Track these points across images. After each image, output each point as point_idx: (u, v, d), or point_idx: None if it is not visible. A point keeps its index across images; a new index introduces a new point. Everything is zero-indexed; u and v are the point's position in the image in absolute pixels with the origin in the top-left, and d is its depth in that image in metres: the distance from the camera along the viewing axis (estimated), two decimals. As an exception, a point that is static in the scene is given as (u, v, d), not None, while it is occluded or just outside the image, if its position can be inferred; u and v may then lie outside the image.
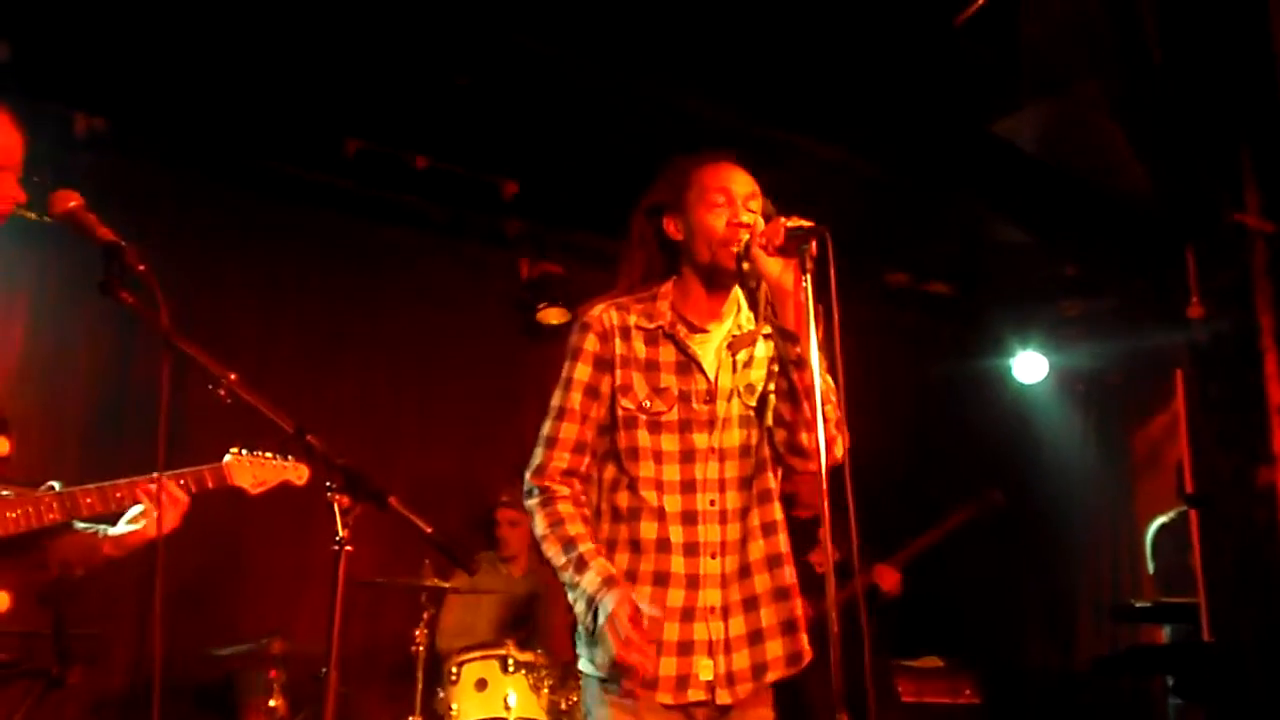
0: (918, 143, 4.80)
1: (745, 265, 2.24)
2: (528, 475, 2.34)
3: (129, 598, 4.25)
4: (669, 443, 2.26)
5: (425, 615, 4.26)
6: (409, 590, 4.35)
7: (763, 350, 2.35)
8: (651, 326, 2.32)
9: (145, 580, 3.78)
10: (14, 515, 2.45)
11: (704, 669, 2.19)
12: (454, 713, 4.16)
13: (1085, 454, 6.62)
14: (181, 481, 2.64)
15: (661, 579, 2.22)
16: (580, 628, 2.25)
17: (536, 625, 4.70)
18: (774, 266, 2.16)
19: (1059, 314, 6.50)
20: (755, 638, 2.23)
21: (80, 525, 2.60)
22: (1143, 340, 5.47)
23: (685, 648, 2.20)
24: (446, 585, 4.33)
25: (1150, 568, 5.15)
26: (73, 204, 2.05)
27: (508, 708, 4.14)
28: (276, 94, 4.70)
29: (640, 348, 2.31)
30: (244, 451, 2.80)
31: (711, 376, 2.29)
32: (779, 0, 4.08)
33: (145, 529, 2.55)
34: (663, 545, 2.23)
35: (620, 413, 2.29)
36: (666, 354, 2.31)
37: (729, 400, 2.30)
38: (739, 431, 2.29)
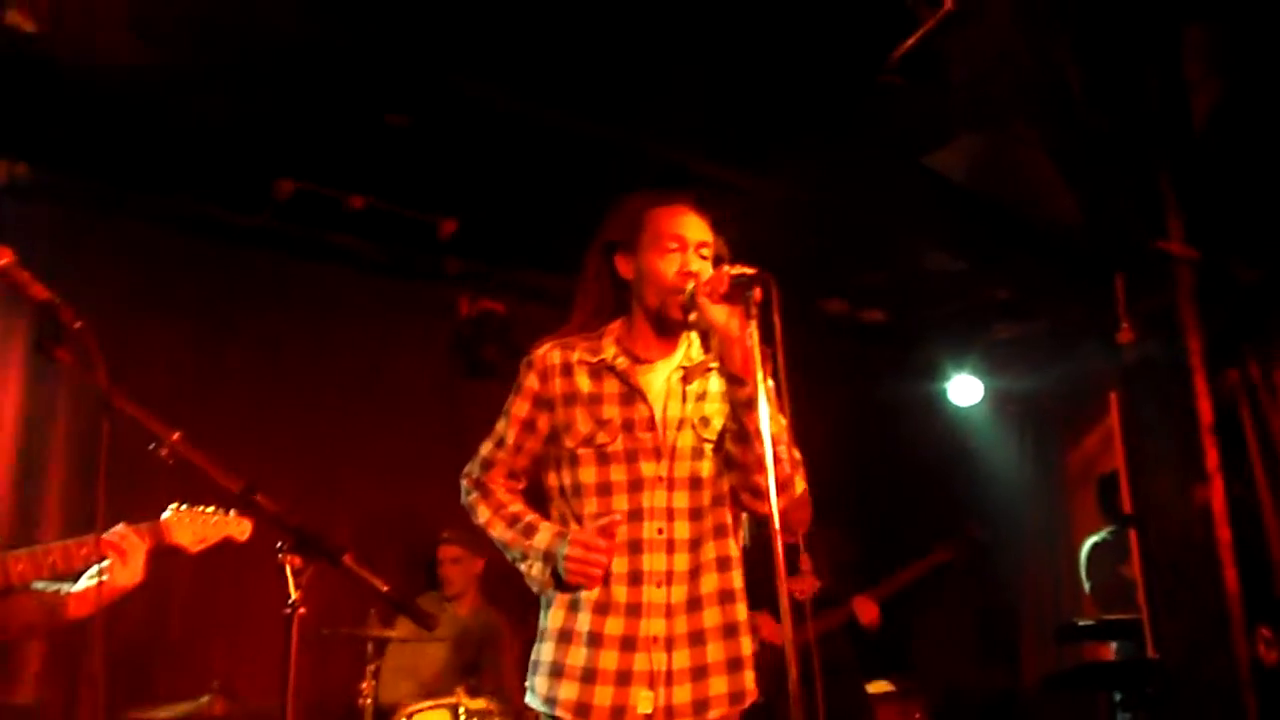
0: (852, 175, 4.88)
1: (692, 315, 2.28)
2: (464, 480, 2.48)
3: (61, 662, 4.11)
4: (617, 473, 2.29)
5: (372, 666, 4.17)
6: (354, 641, 4.26)
7: (717, 385, 2.37)
8: (594, 360, 2.36)
9: (78, 644, 3.67)
10: None
11: (643, 701, 2.18)
12: (405, 766, 4.07)
13: (1021, 474, 6.74)
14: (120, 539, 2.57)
15: (602, 608, 2.23)
16: (530, 663, 2.30)
17: (486, 669, 4.62)
18: (719, 314, 2.19)
19: (993, 338, 6.62)
20: (699, 673, 2.22)
21: (39, 585, 2.53)
22: (1075, 362, 5.61)
23: (624, 678, 2.19)
24: (392, 634, 4.24)
25: (1086, 586, 5.24)
26: (4, 261, 1.98)
27: (460, 757, 4.06)
28: (208, 135, 4.62)
29: (584, 382, 2.35)
30: (184, 507, 2.74)
31: (659, 405, 2.32)
32: (712, 36, 4.12)
33: (112, 581, 2.50)
34: (606, 577, 2.24)
35: (565, 451, 2.33)
36: (610, 386, 2.34)
37: (679, 430, 2.31)
38: (689, 462, 2.30)
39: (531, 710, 2.32)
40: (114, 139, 4.58)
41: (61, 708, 3.97)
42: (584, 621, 2.24)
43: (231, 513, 2.84)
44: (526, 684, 2.32)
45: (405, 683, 4.55)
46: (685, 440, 2.31)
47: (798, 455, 2.27)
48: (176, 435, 1.91)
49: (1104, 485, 5.20)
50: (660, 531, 2.26)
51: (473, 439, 5.82)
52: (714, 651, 2.25)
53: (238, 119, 4.53)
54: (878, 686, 5.40)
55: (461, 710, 4.12)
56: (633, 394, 2.33)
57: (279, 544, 1.86)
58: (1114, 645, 5.10)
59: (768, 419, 2.05)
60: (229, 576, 4.40)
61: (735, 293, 2.15)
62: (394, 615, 4.26)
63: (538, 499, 2.45)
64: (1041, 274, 4.63)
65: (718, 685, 2.23)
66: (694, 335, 2.43)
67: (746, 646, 2.29)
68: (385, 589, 1.90)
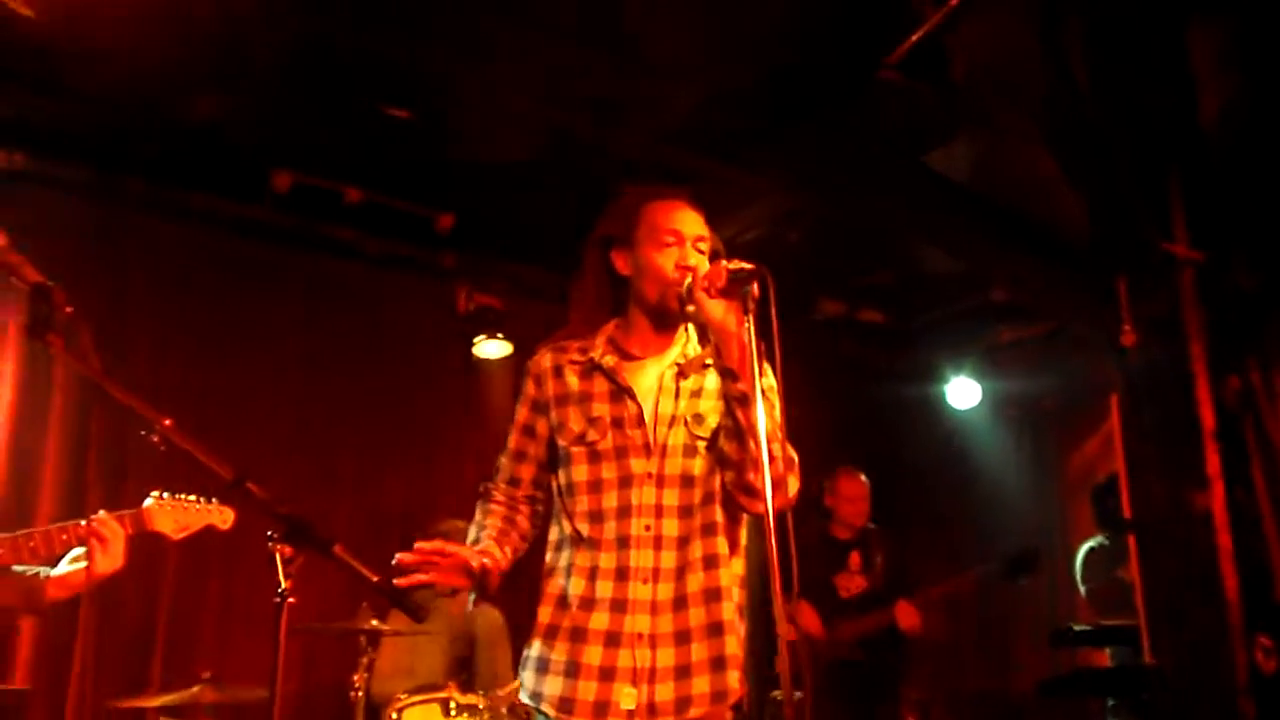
0: (852, 173, 4.86)
1: (689, 308, 2.28)
2: (480, 487, 2.49)
3: (52, 650, 4.09)
4: (608, 470, 2.29)
5: (364, 659, 4.14)
6: (346, 634, 4.23)
7: (713, 382, 2.35)
8: (584, 360, 2.37)
9: (69, 633, 3.65)
10: None
11: (625, 697, 2.17)
12: (395, 759, 4.04)
13: (1019, 478, 6.72)
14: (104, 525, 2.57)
15: (587, 603, 2.23)
16: (521, 658, 2.31)
17: (480, 665, 4.59)
18: (716, 309, 2.18)
19: (992, 340, 6.60)
20: (682, 671, 2.20)
21: (18, 569, 2.54)
22: (1075, 366, 5.59)
23: (607, 673, 2.19)
24: (385, 628, 4.21)
25: (1081, 590, 5.23)
26: (-2, 245, 1.96)
27: (451, 752, 4.04)
28: (207, 126, 4.60)
29: (574, 381, 2.36)
30: (166, 495, 2.74)
31: (648, 402, 2.31)
32: (712, 33, 4.10)
33: (92, 567, 2.52)
34: (593, 572, 2.24)
35: (559, 451, 2.36)
36: (600, 385, 2.35)
37: (670, 426, 2.30)
38: (681, 460, 2.29)
39: (523, 705, 2.32)
40: (112, 128, 4.58)
41: (52, 695, 3.93)
42: (570, 617, 2.24)
43: (214, 501, 2.84)
44: (517, 679, 2.32)
45: (398, 676, 4.52)
46: (677, 437, 2.30)
47: (793, 454, 2.24)
48: (168, 421, 1.88)
49: (1098, 493, 5.19)
50: (648, 528, 2.24)
51: (467, 432, 5.83)
52: (698, 650, 2.23)
53: (236, 110, 4.52)
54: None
55: (453, 704, 4.10)
56: (621, 391, 2.32)
57: (269, 533, 1.83)
58: (1109, 651, 5.08)
59: (763, 416, 2.03)
60: (220, 567, 4.38)
61: (733, 288, 2.14)
62: (387, 608, 4.24)
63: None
64: (1043, 276, 4.60)
65: (700, 684, 2.21)
66: (691, 331, 2.42)
67: (731, 645, 2.26)
68: (375, 579, 1.88)
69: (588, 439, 2.30)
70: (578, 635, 2.22)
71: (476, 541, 2.32)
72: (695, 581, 2.25)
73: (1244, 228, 3.84)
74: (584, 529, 2.27)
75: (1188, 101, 3.85)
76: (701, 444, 2.30)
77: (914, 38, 3.73)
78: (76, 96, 4.32)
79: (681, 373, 2.34)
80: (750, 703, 2.33)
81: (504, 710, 4.17)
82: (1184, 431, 3.68)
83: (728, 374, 2.21)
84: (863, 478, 5.28)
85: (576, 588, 2.25)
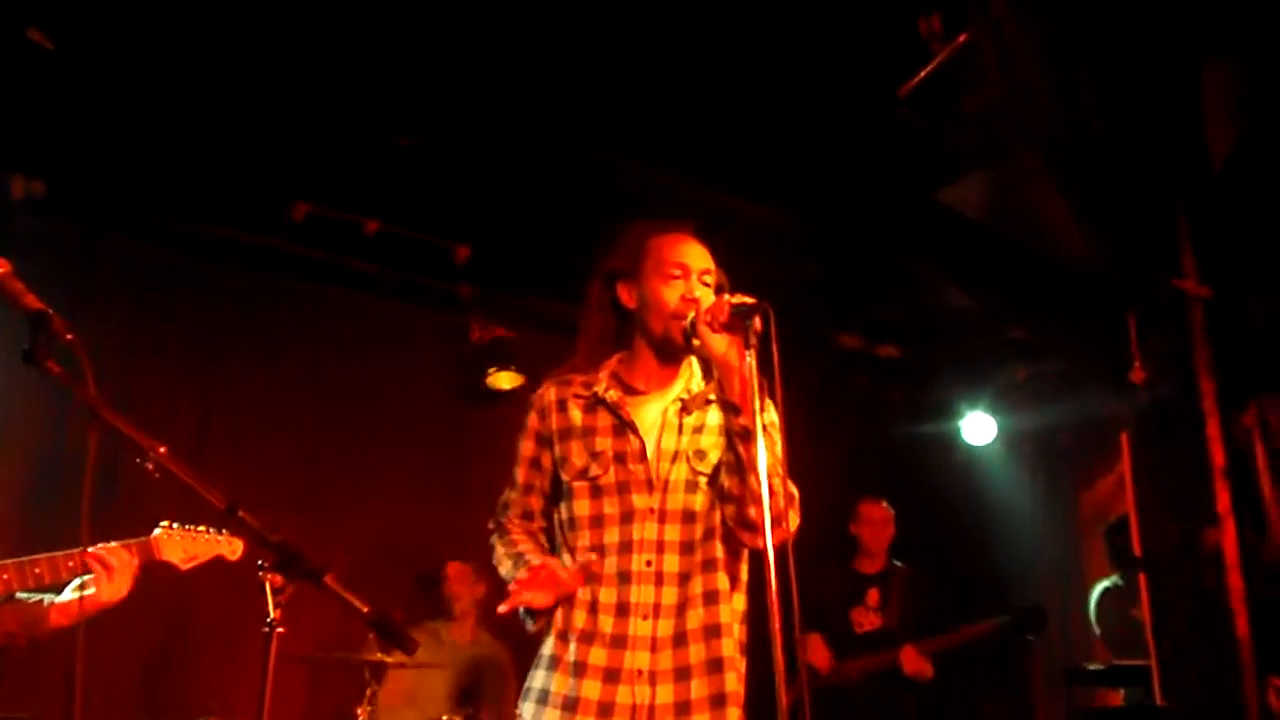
0: (865, 210, 4.87)
1: (695, 342, 2.28)
2: (490, 524, 2.50)
3: (51, 680, 4.09)
4: (610, 506, 2.29)
5: (369, 691, 4.13)
6: (350, 666, 4.23)
7: (715, 418, 2.35)
8: (587, 394, 2.37)
9: (69, 661, 3.65)
10: None
11: None
12: (399, 792, 4.03)
13: (1034, 515, 6.66)
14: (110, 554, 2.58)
15: (587, 637, 2.23)
16: (523, 689, 2.31)
17: (485, 698, 4.58)
18: (719, 343, 2.19)
19: (1007, 377, 6.57)
20: (682, 708, 2.19)
21: (21, 595, 2.54)
22: (1088, 403, 5.54)
23: (605, 709, 2.18)
24: (389, 660, 4.20)
25: (1096, 630, 5.17)
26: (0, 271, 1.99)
27: (454, 785, 4.02)
28: (224, 156, 4.66)
29: (577, 415, 2.36)
30: (175, 525, 2.74)
31: (651, 437, 2.31)
32: (728, 68, 4.13)
33: (95, 595, 2.52)
34: (593, 606, 2.24)
35: (563, 485, 2.36)
36: (603, 419, 2.35)
37: (673, 462, 2.30)
38: (683, 495, 2.28)
39: None
40: (130, 158, 4.62)
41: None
42: (571, 651, 2.23)
43: (224, 532, 2.83)
44: (518, 710, 2.31)
45: (403, 709, 4.51)
46: (679, 473, 2.29)
47: (793, 489, 2.23)
48: (163, 448, 1.89)
49: (1111, 532, 5.14)
50: (649, 564, 2.24)
51: (479, 465, 5.84)
52: (698, 688, 2.21)
53: (254, 141, 4.57)
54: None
55: (456, 738, 4.09)
56: (624, 426, 2.32)
57: (260, 562, 1.84)
58: (1123, 692, 5.01)
59: (764, 451, 2.03)
60: (220, 597, 4.38)
61: (735, 322, 2.15)
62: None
63: None
64: (1054, 312, 4.58)
65: None
66: (695, 366, 2.42)
67: (732, 682, 2.24)
68: (366, 610, 1.88)
69: (590, 474, 2.31)
70: (578, 670, 2.21)
71: (519, 558, 2.33)
72: (696, 618, 2.24)
73: (1253, 264, 3.82)
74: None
75: (1197, 139, 3.84)
76: (703, 479, 2.30)
77: (923, 73, 3.75)
78: (88, 124, 4.37)
79: (685, 408, 2.34)
80: None
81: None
82: (1194, 469, 3.64)
83: (729, 408, 2.21)
84: (885, 504, 5.30)
85: (578, 621, 2.24)
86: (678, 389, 2.38)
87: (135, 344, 4.81)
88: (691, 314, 2.25)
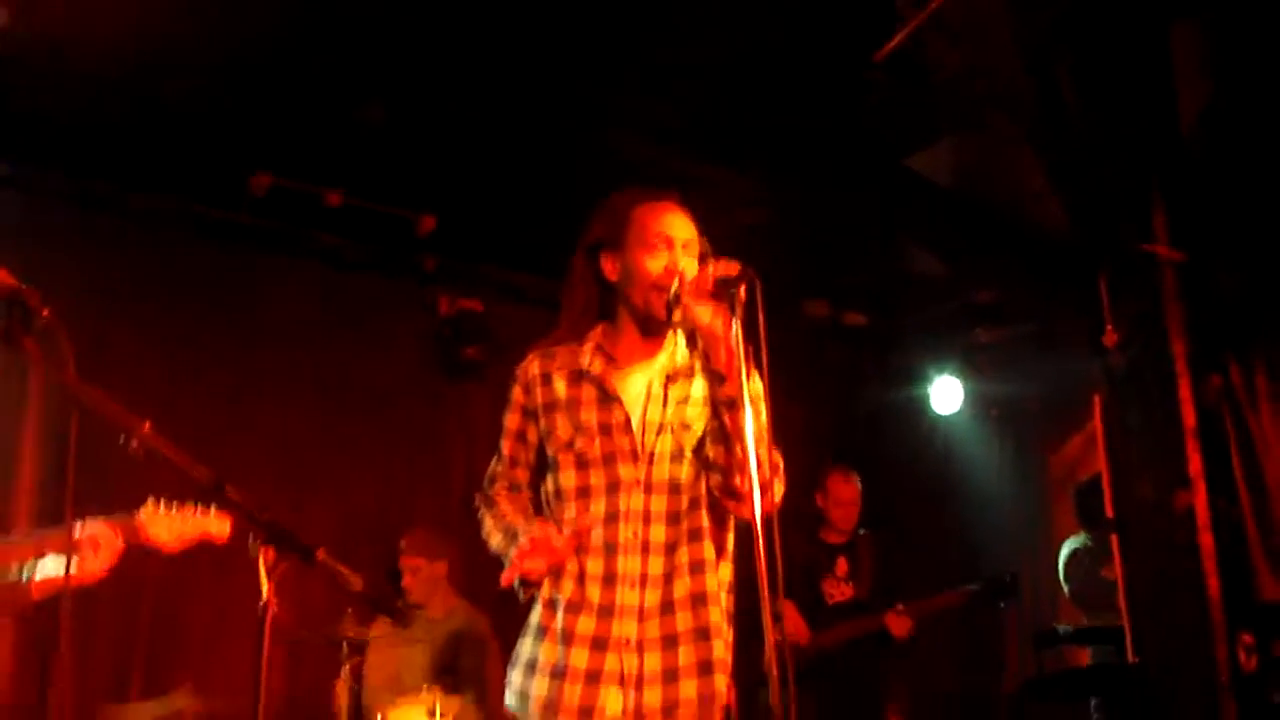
0: (835, 176, 4.87)
1: (676, 314, 2.27)
2: (475, 496, 2.48)
3: (34, 658, 4.05)
4: (596, 477, 2.29)
5: (346, 666, 4.11)
6: (331, 642, 4.20)
7: (700, 389, 2.34)
8: (572, 367, 2.36)
9: (51, 641, 3.62)
10: None
11: (612, 701, 2.18)
12: (380, 766, 4.01)
13: (1003, 478, 6.73)
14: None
15: (574, 607, 2.24)
16: (511, 657, 2.33)
17: (464, 669, 4.56)
18: (704, 313, 2.18)
19: (975, 341, 6.61)
20: (669, 675, 2.21)
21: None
22: (1057, 365, 5.60)
23: (593, 677, 2.19)
24: (368, 635, 4.18)
25: (1065, 590, 5.24)
26: (-31, 248, 1.94)
27: (436, 757, 4.01)
28: (184, 129, 4.56)
29: (561, 388, 2.36)
30: (162, 504, 2.70)
31: (636, 409, 2.31)
32: (696, 33, 4.10)
33: (79, 570, 2.51)
34: (580, 576, 2.24)
35: (549, 458, 2.36)
36: (588, 392, 2.34)
37: (658, 434, 2.30)
38: (669, 466, 2.29)
39: (511, 714, 2.30)
40: (89, 132, 4.52)
41: (35, 703, 3.90)
42: (559, 620, 2.24)
43: (211, 511, 2.79)
44: (505, 680, 2.32)
45: (383, 683, 4.48)
46: (664, 444, 2.29)
47: (778, 459, 2.24)
48: (146, 425, 1.86)
49: (1080, 493, 5.20)
50: (635, 535, 2.25)
51: (450, 438, 5.79)
52: (685, 655, 2.23)
53: (214, 113, 4.48)
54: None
55: (437, 709, 4.07)
56: (609, 398, 2.32)
57: (250, 539, 1.81)
58: (1089, 650, 5.09)
59: (750, 420, 2.02)
60: (205, 574, 4.34)
61: (720, 291, 2.14)
62: (371, 615, 4.20)
63: None
64: (1025, 276, 4.62)
65: (688, 689, 2.21)
66: (680, 338, 2.41)
67: (719, 650, 2.26)
68: (358, 585, 1.86)
69: (576, 446, 2.31)
70: (565, 638, 2.22)
71: (509, 529, 2.31)
72: (682, 587, 2.25)
73: (1224, 228, 3.87)
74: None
75: (1169, 103, 3.87)
76: (689, 450, 2.30)
77: (896, 39, 3.74)
78: (50, 99, 4.26)
79: (670, 379, 2.34)
80: (740, 707, 2.33)
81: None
82: (1166, 430, 3.70)
83: (715, 377, 2.21)
84: (855, 479, 5.25)
85: (565, 590, 2.25)
86: (662, 360, 2.37)
87: (96, 319, 4.71)
88: (675, 285, 2.24)
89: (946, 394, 6.70)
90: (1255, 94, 3.73)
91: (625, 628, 2.21)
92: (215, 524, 2.81)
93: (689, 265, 2.29)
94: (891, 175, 4.81)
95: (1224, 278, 3.82)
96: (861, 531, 5.23)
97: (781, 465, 2.25)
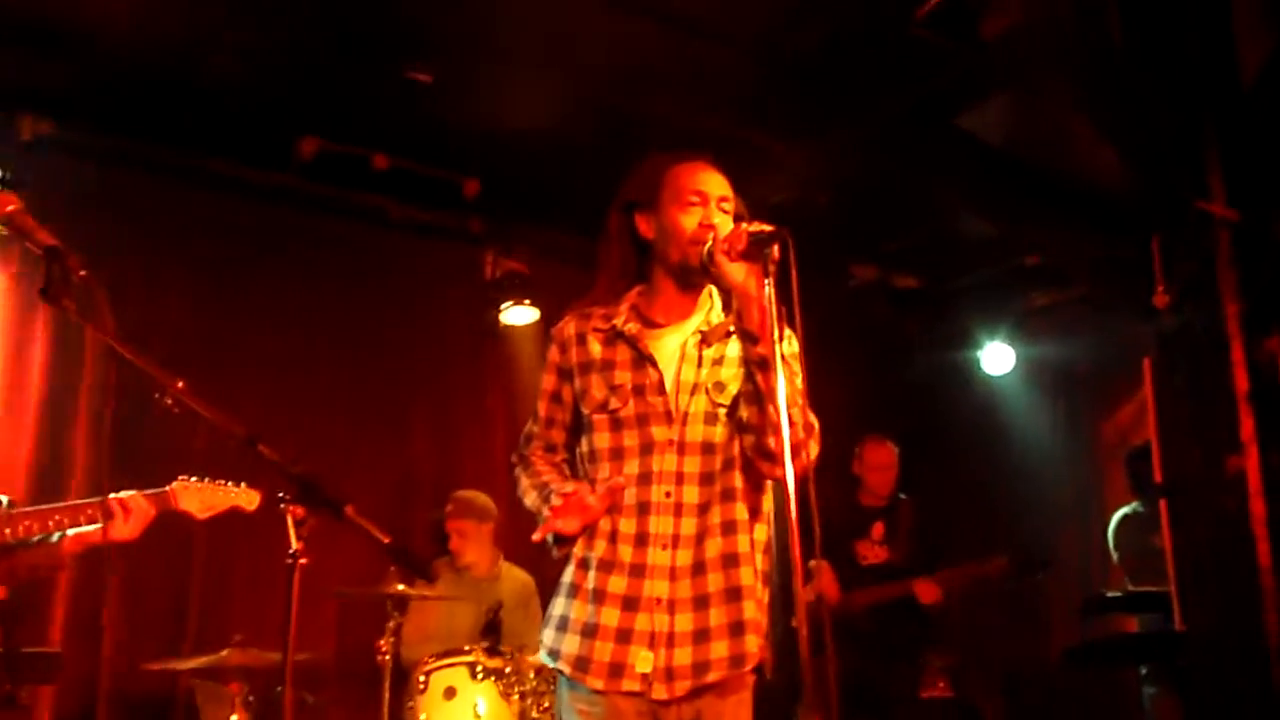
0: (884, 137, 4.79)
1: (712, 269, 2.26)
2: (512, 457, 2.54)
3: (85, 614, 4.16)
4: (630, 438, 2.30)
5: (391, 623, 4.18)
6: (374, 599, 4.27)
7: (735, 350, 2.34)
8: (607, 328, 2.38)
9: (101, 595, 3.73)
10: None
11: (642, 660, 2.19)
12: (423, 721, 4.08)
13: (1054, 444, 6.64)
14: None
15: (606, 565, 2.25)
16: (545, 617, 2.37)
17: (507, 628, 4.62)
18: (737, 272, 2.17)
19: (1026, 305, 6.51)
20: (700, 636, 2.22)
21: (38, 538, 2.66)
22: (1110, 329, 5.49)
23: (624, 635, 2.21)
24: (412, 592, 4.24)
25: (1115, 557, 5.17)
26: (11, 207, 1.99)
27: (478, 715, 4.07)
28: (233, 92, 4.61)
29: (596, 349, 2.38)
30: (193, 479, 2.85)
31: (670, 370, 2.32)
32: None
33: (108, 531, 2.64)
34: (613, 536, 2.26)
35: (583, 418, 2.38)
36: (622, 353, 2.36)
37: (691, 394, 2.31)
38: (702, 427, 2.29)
39: (549, 669, 2.36)
40: (139, 96, 4.58)
41: (85, 658, 4.01)
42: (591, 578, 2.26)
43: (241, 485, 2.92)
44: (540, 637, 2.35)
45: (426, 640, 4.56)
46: (698, 405, 2.30)
47: (813, 420, 2.23)
48: (180, 384, 1.89)
49: (1132, 459, 5.11)
50: (668, 495, 2.26)
51: (497, 399, 5.83)
52: (716, 615, 2.23)
53: (262, 76, 4.52)
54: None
55: (480, 668, 4.13)
56: (642, 359, 2.33)
57: (280, 494, 1.84)
58: (1137, 618, 5.02)
59: (783, 380, 2.01)
60: (250, 532, 4.41)
61: (753, 250, 2.13)
62: (414, 575, 4.26)
63: None
64: (1077, 238, 4.52)
65: (719, 649, 2.22)
66: (715, 298, 2.41)
67: (750, 610, 2.26)
68: (386, 540, 1.88)
69: (610, 406, 2.32)
70: (598, 597, 2.24)
71: (544, 488, 2.37)
72: (714, 547, 2.26)
73: (1282, 186, 3.74)
74: None
75: (1226, 58, 3.74)
76: (722, 411, 2.30)
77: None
78: (98, 63, 4.32)
79: (704, 340, 2.35)
80: (773, 666, 2.33)
81: (531, 674, 4.20)
82: (1217, 394, 3.60)
83: (748, 337, 2.20)
84: (891, 446, 5.24)
85: (598, 550, 2.27)
86: (697, 321, 2.38)
87: (145, 282, 4.79)
88: (710, 240, 2.24)
89: (998, 358, 6.61)
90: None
91: (657, 587, 2.22)
92: (244, 497, 2.96)
93: (723, 221, 2.30)
94: (941, 135, 4.72)
95: (1281, 237, 3.70)
96: (902, 496, 5.20)
97: (816, 426, 2.24)
